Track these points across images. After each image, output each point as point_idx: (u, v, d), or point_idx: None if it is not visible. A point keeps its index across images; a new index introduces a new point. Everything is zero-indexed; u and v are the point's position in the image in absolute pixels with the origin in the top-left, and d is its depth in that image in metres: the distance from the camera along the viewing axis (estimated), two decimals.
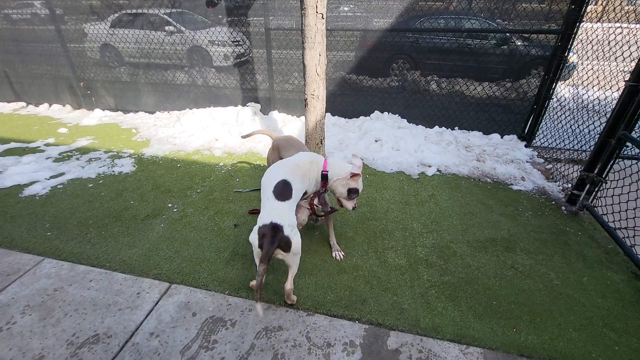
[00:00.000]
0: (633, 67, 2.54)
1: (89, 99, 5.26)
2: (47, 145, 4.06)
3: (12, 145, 4.03)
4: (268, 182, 1.84)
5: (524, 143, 4.07)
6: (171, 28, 5.28)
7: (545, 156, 3.89)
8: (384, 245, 2.46)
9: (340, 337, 1.76)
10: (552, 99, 3.82)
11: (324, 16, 2.51)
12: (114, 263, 2.25)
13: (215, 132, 4.24)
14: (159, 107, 5.12)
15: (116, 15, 5.33)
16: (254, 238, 1.69)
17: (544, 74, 3.78)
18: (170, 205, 2.92)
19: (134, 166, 3.59)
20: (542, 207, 3.02)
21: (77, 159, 3.72)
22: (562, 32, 3.46)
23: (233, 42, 4.99)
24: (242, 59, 5.04)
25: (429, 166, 3.58)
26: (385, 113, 4.41)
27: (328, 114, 4.53)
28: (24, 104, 5.57)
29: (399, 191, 3.15)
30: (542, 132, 4.03)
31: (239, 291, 2.04)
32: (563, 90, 5.16)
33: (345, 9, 4.86)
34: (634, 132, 2.62)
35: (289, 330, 1.79)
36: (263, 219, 1.68)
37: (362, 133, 4.05)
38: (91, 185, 3.21)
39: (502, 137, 4.16)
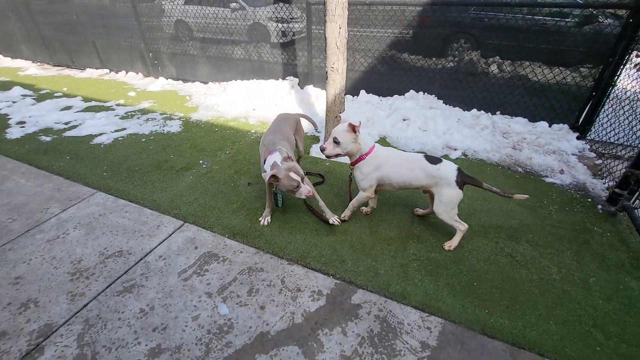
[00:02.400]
0: None
1: (156, 68, 5.98)
2: (117, 105, 4.81)
3: (93, 103, 4.86)
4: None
5: (576, 134, 3.64)
6: (235, 5, 5.61)
7: (598, 150, 3.44)
8: (380, 217, 2.53)
9: (310, 286, 1.94)
10: (616, 85, 3.32)
11: None
12: (146, 201, 2.71)
13: (254, 103, 4.56)
14: (212, 78, 5.62)
15: None
16: None
17: (610, 54, 3.29)
18: (201, 162, 3.32)
19: (180, 127, 4.09)
20: (573, 202, 2.75)
21: (138, 117, 4.36)
22: (634, 7, 2.95)
23: (292, 18, 5.15)
24: (300, 36, 5.14)
25: (455, 149, 3.45)
26: (421, 93, 4.27)
27: (363, 92, 4.53)
28: (107, 70, 6.56)
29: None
30: (600, 123, 3.54)
31: (236, 236, 2.33)
32: None
33: None
34: None
35: (268, 273, 2.03)
36: None
37: (391, 111, 4.01)
38: (144, 140, 3.78)
39: (550, 126, 3.76)
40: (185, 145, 3.65)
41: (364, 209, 2.55)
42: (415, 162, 2.12)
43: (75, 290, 1.91)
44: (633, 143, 3.14)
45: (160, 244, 2.25)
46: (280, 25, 5.26)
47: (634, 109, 3.17)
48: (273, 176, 2.05)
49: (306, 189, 2.10)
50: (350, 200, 2.40)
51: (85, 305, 1.82)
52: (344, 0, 2.61)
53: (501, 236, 2.37)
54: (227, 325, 1.72)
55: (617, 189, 2.64)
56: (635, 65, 5.40)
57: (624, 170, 2.63)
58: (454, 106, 4.12)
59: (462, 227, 2.17)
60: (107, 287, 1.93)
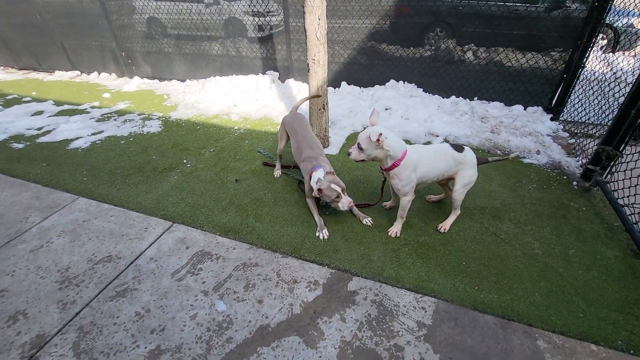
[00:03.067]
0: None
1: (130, 67, 5.78)
2: (92, 107, 4.63)
3: (65, 107, 4.66)
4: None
5: (550, 116, 3.80)
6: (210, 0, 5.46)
7: (571, 130, 3.61)
8: (371, 206, 2.58)
9: (306, 277, 1.97)
10: (585, 67, 3.48)
11: None
12: (131, 204, 2.64)
13: (235, 99, 4.50)
14: (189, 75, 5.49)
15: None
16: None
17: (577, 38, 3.43)
18: (185, 161, 3.26)
19: (161, 127, 3.99)
20: (550, 181, 2.89)
21: (115, 119, 4.21)
22: None
23: (267, 12, 5.07)
24: (277, 30, 5.09)
25: (437, 136, 3.53)
26: (401, 82, 4.33)
27: (344, 83, 4.55)
28: (78, 72, 6.29)
29: None
30: (572, 104, 3.71)
31: (228, 233, 2.31)
32: (622, 60, 4.61)
33: None
34: None
35: (263, 267, 2.04)
36: None
37: (373, 101, 4.06)
38: (123, 142, 3.66)
39: (525, 109, 3.91)
40: (167, 145, 3.57)
41: (387, 204, 2.55)
42: (446, 153, 2.12)
43: (66, 299, 1.86)
44: (602, 121, 3.31)
45: (150, 246, 2.21)
46: (256, 19, 5.18)
47: (602, 89, 3.33)
48: (318, 190, 2.17)
49: (347, 200, 2.19)
50: (381, 202, 2.50)
51: (77, 313, 1.77)
52: None
53: (485, 216, 2.46)
54: (226, 321, 1.72)
55: (590, 165, 2.79)
56: (601, 48, 5.66)
57: (595, 148, 2.78)
58: (434, 94, 4.21)
59: (458, 211, 2.30)
60: (99, 293, 1.89)
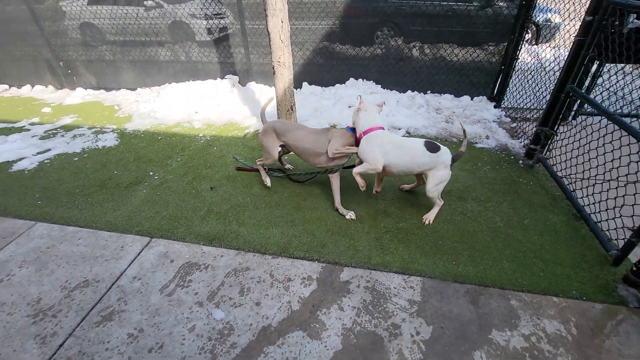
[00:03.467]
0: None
1: (70, 78, 5.31)
2: (32, 124, 4.19)
3: None
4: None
5: (493, 104, 4.23)
6: (151, 3, 5.18)
7: (512, 116, 4.06)
8: (348, 199, 2.69)
9: (299, 274, 2.02)
10: (519, 59, 3.93)
11: None
12: (100, 224, 2.48)
13: (195, 105, 4.36)
14: (139, 83, 5.19)
15: None
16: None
17: (510, 33, 3.87)
18: (151, 173, 3.12)
19: (117, 140, 3.75)
20: (500, 162, 3.23)
21: (62, 135, 3.87)
22: None
23: (215, 14, 4.95)
24: (227, 32, 5.00)
25: (399, 129, 3.76)
26: (360, 80, 4.51)
27: (305, 84, 4.63)
28: (7, 86, 5.62)
29: None
30: (510, 92, 4.17)
31: (212, 242, 2.28)
32: (545, 51, 5.23)
33: None
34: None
35: (255, 270, 2.05)
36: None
37: (335, 100, 4.19)
38: (77, 159, 3.39)
39: (472, 99, 4.31)
40: (128, 159, 3.37)
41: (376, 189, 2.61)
42: (416, 149, 2.22)
43: (43, 332, 1.72)
44: (538, 106, 3.78)
45: (130, 264, 2.10)
46: (204, 22, 5.04)
47: (534, 77, 3.80)
48: None
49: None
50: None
51: (61, 345, 1.65)
52: None
53: (452, 198, 2.70)
54: (226, 328, 1.72)
55: (532, 145, 3.18)
56: (527, 41, 6.34)
57: (534, 129, 3.17)
58: (391, 89, 4.45)
59: (440, 202, 2.42)
60: (82, 320, 1.77)
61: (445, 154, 2.24)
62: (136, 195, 2.80)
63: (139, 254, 2.18)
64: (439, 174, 2.25)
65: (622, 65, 2.63)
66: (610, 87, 2.66)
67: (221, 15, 5.04)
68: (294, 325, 1.73)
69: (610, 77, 2.67)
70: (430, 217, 2.44)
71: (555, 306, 1.82)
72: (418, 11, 4.63)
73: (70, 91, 5.29)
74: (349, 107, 4.06)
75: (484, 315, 1.77)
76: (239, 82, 4.71)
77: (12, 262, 2.15)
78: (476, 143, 3.56)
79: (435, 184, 2.26)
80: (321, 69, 4.68)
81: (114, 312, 1.82)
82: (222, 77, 4.77)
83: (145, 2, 5.13)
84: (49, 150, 3.54)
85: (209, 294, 1.90)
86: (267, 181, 2.82)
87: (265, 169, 2.86)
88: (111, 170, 3.18)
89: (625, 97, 2.67)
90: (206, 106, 4.32)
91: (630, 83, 2.75)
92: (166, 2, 5.11)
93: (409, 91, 4.41)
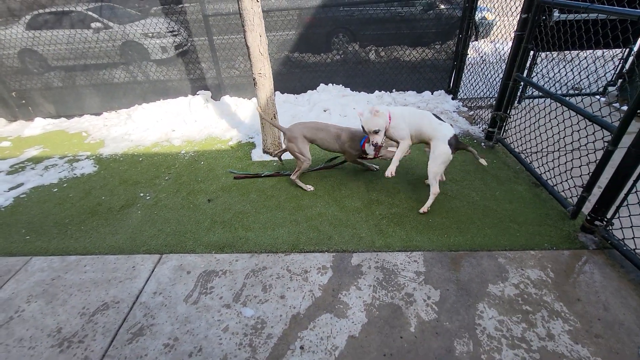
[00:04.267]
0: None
1: (24, 109, 5.01)
2: None
3: None
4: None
5: (451, 96, 4.69)
6: (98, 25, 5.04)
7: (468, 105, 4.54)
8: (342, 194, 2.90)
9: (314, 265, 2.19)
10: (468, 54, 4.42)
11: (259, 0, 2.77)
12: (102, 249, 2.46)
13: (171, 124, 4.35)
14: (105, 107, 5.03)
15: (31, 15, 4.95)
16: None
17: (458, 32, 4.35)
18: (142, 194, 3.11)
19: (95, 166, 3.65)
20: None
21: (32, 168, 3.68)
22: None
23: (169, 32, 4.95)
24: (182, 49, 5.02)
25: None
26: (330, 85, 4.78)
27: (278, 92, 4.80)
28: None
29: None
30: (464, 84, 4.66)
31: (223, 249, 2.37)
32: (485, 46, 5.86)
33: None
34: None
35: (272, 268, 2.18)
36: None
37: (311, 105, 4.41)
38: (56, 189, 3.26)
39: (432, 94, 4.74)
40: (112, 183, 3.32)
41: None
42: (425, 116, 2.58)
43: (74, 359, 1.72)
44: (489, 94, 4.28)
45: (147, 282, 2.14)
46: (157, 40, 5.00)
47: (482, 70, 4.30)
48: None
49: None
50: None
51: None
52: (259, 11, 2.82)
53: None
54: (259, 322, 1.84)
55: (490, 128, 3.61)
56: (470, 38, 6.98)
57: (490, 114, 3.61)
58: (360, 91, 4.77)
59: (436, 189, 2.53)
60: (113, 340, 1.79)
61: (446, 127, 2.49)
62: (132, 217, 2.79)
63: (152, 271, 2.21)
64: (439, 148, 2.46)
65: (552, 52, 3.15)
66: (545, 72, 3.15)
67: (175, 33, 5.04)
68: (320, 309, 1.89)
69: (545, 63, 3.17)
70: (425, 207, 2.60)
71: (533, 258, 2.16)
72: (368, 17, 5.02)
73: (27, 122, 4.99)
74: (324, 111, 4.30)
75: (479, 274, 2.06)
76: (211, 97, 4.76)
77: (17, 298, 2.09)
78: None
79: (436, 160, 2.47)
80: (290, 77, 4.88)
81: (144, 327, 1.86)
82: (194, 94, 4.79)
83: (91, 24, 4.98)
84: (22, 184, 3.37)
85: (234, 296, 2.00)
86: (309, 187, 2.98)
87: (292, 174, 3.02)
88: (98, 196, 3.12)
89: (559, 79, 3.17)
90: (183, 123, 4.33)
91: (563, 67, 3.27)
92: (114, 23, 5.02)
93: (377, 91, 4.75)
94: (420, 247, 2.30)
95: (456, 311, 1.85)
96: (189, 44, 4.77)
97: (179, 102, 4.66)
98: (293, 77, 4.85)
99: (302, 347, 1.70)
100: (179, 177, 3.33)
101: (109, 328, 1.86)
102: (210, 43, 4.45)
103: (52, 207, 2.99)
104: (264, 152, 3.61)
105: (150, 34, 4.95)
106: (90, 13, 5.04)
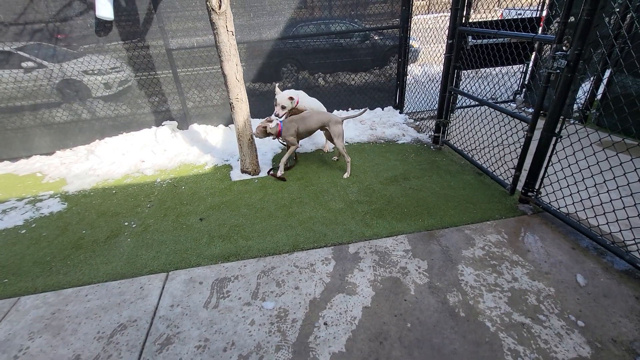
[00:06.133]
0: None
1: None
2: None
3: None
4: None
5: (399, 111, 5.41)
6: (30, 64, 4.80)
7: (414, 117, 5.28)
8: (325, 199, 3.23)
9: (317, 258, 2.44)
10: (407, 75, 5.22)
11: (234, 33, 3.10)
12: (100, 278, 2.42)
13: (139, 155, 4.32)
14: (57, 146, 4.78)
15: None
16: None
17: (397, 58, 5.13)
18: (126, 223, 3.08)
19: (64, 204, 3.49)
20: (418, 150, 4.25)
21: None
22: (401, 26, 4.82)
23: (112, 68, 4.87)
24: (126, 85, 4.90)
25: None
26: None
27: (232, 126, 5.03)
28: None
29: (323, 162, 3.98)
30: (408, 100, 5.43)
31: (229, 258, 2.51)
32: (415, 69, 6.82)
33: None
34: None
35: (280, 267, 2.39)
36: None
37: None
38: (24, 231, 3.07)
39: (383, 109, 5.42)
40: (89, 217, 3.22)
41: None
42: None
43: None
44: (429, 108, 5.07)
45: (160, 298, 2.19)
46: (99, 77, 4.93)
47: (421, 88, 5.10)
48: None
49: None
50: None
51: None
52: (234, 43, 3.15)
53: (399, 180, 3.50)
54: (282, 311, 2.03)
55: (435, 133, 4.30)
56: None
57: (433, 123, 4.30)
58: None
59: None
60: (141, 354, 1.83)
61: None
62: (122, 245, 2.78)
63: (163, 287, 2.27)
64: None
65: (469, 70, 3.96)
66: (469, 87, 3.93)
67: (118, 69, 5.00)
68: (333, 291, 2.15)
69: (467, 80, 3.96)
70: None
71: (490, 227, 2.69)
72: (313, 48, 5.63)
73: None
74: None
75: (453, 244, 2.51)
76: (178, 126, 4.83)
77: (17, 338, 1.99)
78: (397, 140, 4.56)
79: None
80: (251, 104, 5.17)
81: (170, 336, 1.92)
82: (158, 125, 4.83)
83: (22, 64, 4.76)
84: None
85: (252, 295, 2.16)
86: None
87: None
88: (77, 231, 3.01)
89: (479, 91, 3.98)
90: (152, 154, 4.34)
91: (477, 81, 4.10)
92: (48, 62, 4.82)
93: (335, 111, 5.28)
94: (403, 231, 2.70)
95: (443, 273, 2.24)
96: (132, 80, 4.64)
97: (143, 134, 4.65)
98: (250, 105, 5.14)
99: (325, 324, 1.94)
100: (162, 203, 3.36)
101: (133, 344, 1.89)
102: (175, 75, 4.61)
103: (26, 248, 2.82)
104: (243, 171, 3.81)
105: (90, 71, 4.82)
106: (19, 52, 4.77)
